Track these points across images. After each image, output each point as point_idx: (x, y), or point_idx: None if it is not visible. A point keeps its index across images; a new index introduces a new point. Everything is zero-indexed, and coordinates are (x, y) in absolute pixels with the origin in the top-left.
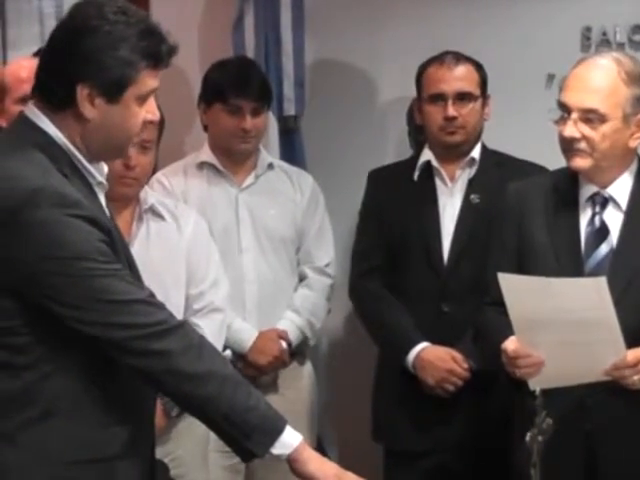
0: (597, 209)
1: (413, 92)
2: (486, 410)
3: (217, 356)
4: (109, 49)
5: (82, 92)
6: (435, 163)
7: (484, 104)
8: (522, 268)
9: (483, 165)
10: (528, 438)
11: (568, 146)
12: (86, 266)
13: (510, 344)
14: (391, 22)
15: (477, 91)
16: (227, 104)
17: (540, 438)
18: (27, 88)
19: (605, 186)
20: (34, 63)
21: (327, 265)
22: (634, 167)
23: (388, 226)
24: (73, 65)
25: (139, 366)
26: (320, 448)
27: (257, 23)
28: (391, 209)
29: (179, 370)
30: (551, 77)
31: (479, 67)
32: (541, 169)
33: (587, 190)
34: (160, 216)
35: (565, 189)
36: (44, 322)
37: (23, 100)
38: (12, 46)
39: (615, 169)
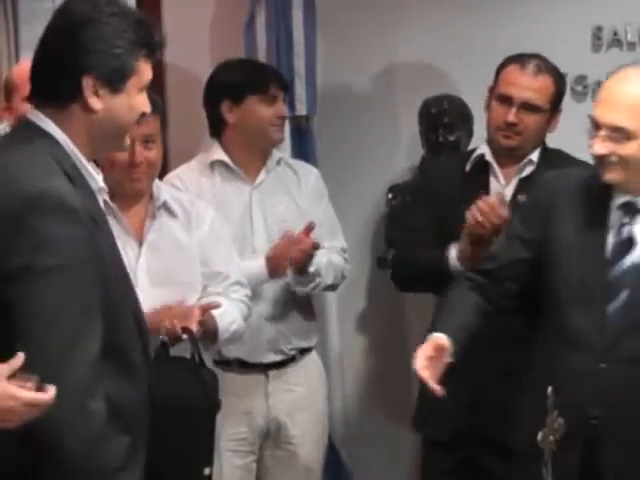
0: (627, 219)
1: (426, 91)
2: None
3: None
4: (110, 39)
5: (87, 83)
6: (490, 158)
7: (552, 117)
8: (541, 257)
9: (539, 167)
10: (539, 438)
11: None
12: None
13: (439, 339)
14: (403, 21)
15: (546, 105)
16: (267, 94)
17: (551, 438)
18: None
19: (638, 195)
20: None
21: (343, 250)
22: None
23: (437, 211)
24: (77, 57)
25: None
26: (331, 443)
27: (269, 23)
28: (442, 196)
29: None
30: None
31: (559, 80)
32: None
33: (620, 196)
34: (173, 213)
35: (598, 189)
36: None
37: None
38: (26, 45)
39: None
